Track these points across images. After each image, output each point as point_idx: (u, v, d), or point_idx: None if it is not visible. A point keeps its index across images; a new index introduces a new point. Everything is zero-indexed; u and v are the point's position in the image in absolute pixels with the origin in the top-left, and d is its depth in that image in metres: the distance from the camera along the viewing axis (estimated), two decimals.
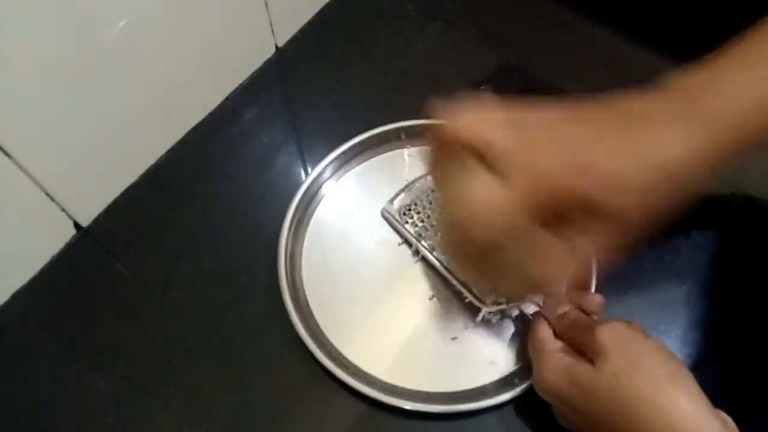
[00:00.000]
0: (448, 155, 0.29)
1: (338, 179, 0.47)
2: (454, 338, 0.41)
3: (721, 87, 0.28)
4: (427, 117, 0.34)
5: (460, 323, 0.41)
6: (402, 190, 0.45)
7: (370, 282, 0.43)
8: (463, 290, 0.41)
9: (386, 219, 0.45)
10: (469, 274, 0.40)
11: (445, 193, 0.30)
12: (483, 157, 0.28)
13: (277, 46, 0.54)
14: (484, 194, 0.28)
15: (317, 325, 0.41)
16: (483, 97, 0.30)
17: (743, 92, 0.28)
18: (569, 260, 0.30)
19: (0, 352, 0.41)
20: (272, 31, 0.52)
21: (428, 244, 0.43)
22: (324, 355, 0.39)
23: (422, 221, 0.44)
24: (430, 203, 0.44)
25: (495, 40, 0.55)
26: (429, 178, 0.45)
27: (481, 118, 0.29)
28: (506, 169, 0.27)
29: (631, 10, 0.55)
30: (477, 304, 0.40)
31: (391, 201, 0.45)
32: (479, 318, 0.41)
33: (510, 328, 0.41)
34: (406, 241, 0.44)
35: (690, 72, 0.29)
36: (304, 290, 0.42)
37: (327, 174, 0.47)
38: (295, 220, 0.44)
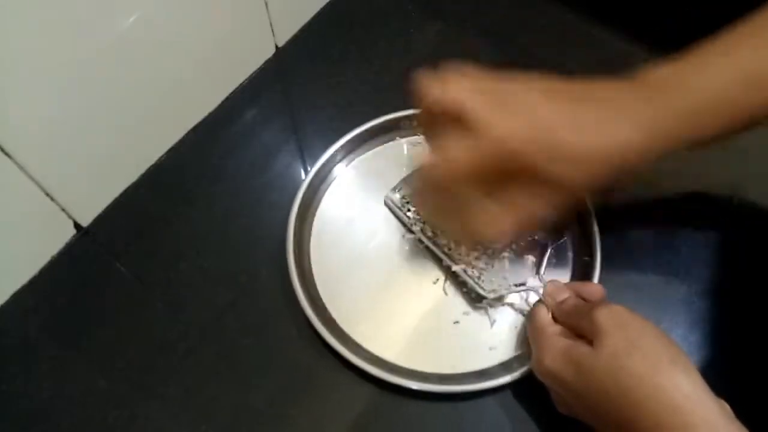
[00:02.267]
0: (436, 117, 0.34)
1: (342, 169, 0.48)
2: (456, 322, 0.41)
3: (683, 81, 0.31)
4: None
5: (461, 308, 0.42)
6: (404, 179, 0.46)
7: (376, 268, 0.43)
8: (465, 277, 0.41)
9: (389, 207, 0.45)
10: (430, 215, 0.43)
11: (429, 146, 0.35)
12: (460, 119, 0.32)
13: (277, 46, 0.54)
14: (452, 147, 0.32)
15: (325, 309, 0.41)
16: (465, 67, 0.34)
17: (703, 89, 0.31)
18: (507, 219, 0.33)
19: (0, 352, 0.41)
20: (272, 30, 0.52)
21: (430, 231, 0.43)
22: (332, 336, 0.39)
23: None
24: None
25: (495, 40, 0.55)
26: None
27: (460, 85, 0.33)
28: (474, 129, 0.31)
29: (631, 10, 0.55)
30: (478, 290, 0.40)
31: (394, 190, 0.45)
32: (480, 305, 0.41)
33: (510, 315, 0.41)
34: (409, 229, 0.44)
35: (661, 64, 0.32)
36: (312, 277, 0.43)
37: (331, 164, 0.47)
38: (302, 207, 0.44)
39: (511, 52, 0.54)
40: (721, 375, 0.39)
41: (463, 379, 0.39)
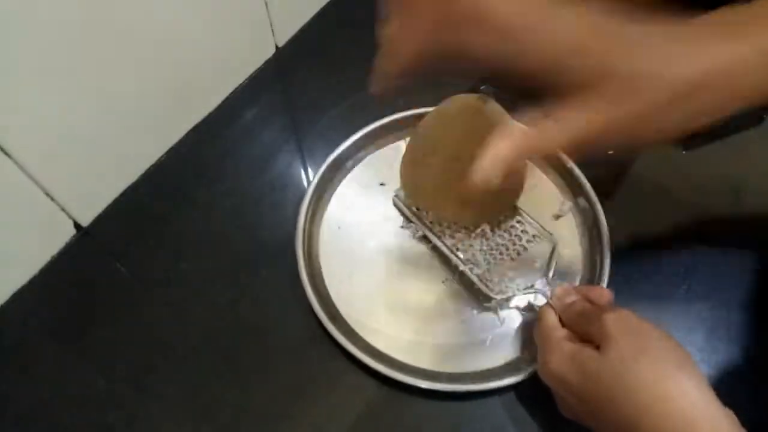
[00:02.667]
0: None
1: (349, 169, 0.48)
2: (463, 321, 0.41)
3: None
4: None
5: (469, 307, 0.42)
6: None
7: (384, 267, 0.44)
8: (472, 277, 0.41)
9: (397, 206, 0.46)
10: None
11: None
12: None
13: (277, 46, 0.54)
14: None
15: (333, 306, 0.42)
16: None
17: None
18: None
19: (0, 352, 0.41)
20: (272, 30, 0.52)
21: (437, 231, 0.43)
22: (340, 333, 0.39)
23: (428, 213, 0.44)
24: None
25: None
26: None
27: None
28: None
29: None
30: (485, 291, 0.40)
31: (402, 188, 0.45)
32: (488, 305, 0.41)
33: (518, 315, 0.42)
34: (417, 228, 0.44)
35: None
36: (321, 276, 0.43)
37: (337, 164, 0.47)
38: (311, 207, 0.44)
39: None
40: (721, 376, 0.39)
41: (468, 378, 0.39)
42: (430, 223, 0.44)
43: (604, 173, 0.47)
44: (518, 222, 0.44)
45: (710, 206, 0.46)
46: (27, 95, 0.36)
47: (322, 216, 0.45)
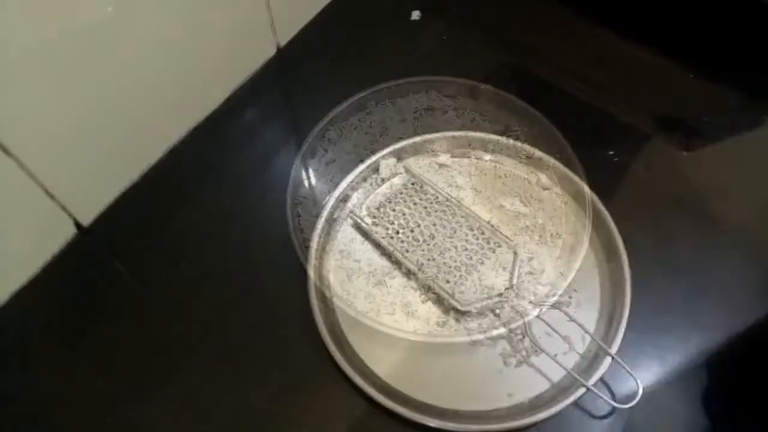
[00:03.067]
0: None
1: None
2: (474, 341, 0.40)
3: None
4: None
5: (468, 339, 0.40)
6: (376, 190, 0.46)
7: (384, 267, 0.43)
8: (439, 290, 0.40)
9: (355, 224, 0.45)
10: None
11: None
12: None
13: (278, 46, 0.54)
14: None
15: (331, 306, 0.41)
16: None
17: None
18: None
19: (0, 352, 0.41)
20: (273, 31, 0.52)
21: (401, 247, 0.43)
22: (343, 359, 0.39)
23: (393, 223, 0.44)
24: (410, 206, 0.45)
25: (495, 40, 0.55)
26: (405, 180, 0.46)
27: None
28: None
29: (630, 11, 0.55)
30: (453, 303, 0.40)
31: (360, 206, 0.45)
32: (462, 312, 0.40)
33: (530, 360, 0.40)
34: (377, 244, 0.44)
35: None
36: (320, 275, 0.42)
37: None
38: (329, 216, 0.45)
39: (511, 52, 0.54)
40: (722, 376, 0.39)
41: (466, 417, 0.38)
42: (390, 238, 0.43)
43: (603, 173, 0.47)
44: (479, 231, 0.43)
45: (709, 206, 0.46)
46: (28, 95, 0.36)
47: (320, 216, 0.45)
